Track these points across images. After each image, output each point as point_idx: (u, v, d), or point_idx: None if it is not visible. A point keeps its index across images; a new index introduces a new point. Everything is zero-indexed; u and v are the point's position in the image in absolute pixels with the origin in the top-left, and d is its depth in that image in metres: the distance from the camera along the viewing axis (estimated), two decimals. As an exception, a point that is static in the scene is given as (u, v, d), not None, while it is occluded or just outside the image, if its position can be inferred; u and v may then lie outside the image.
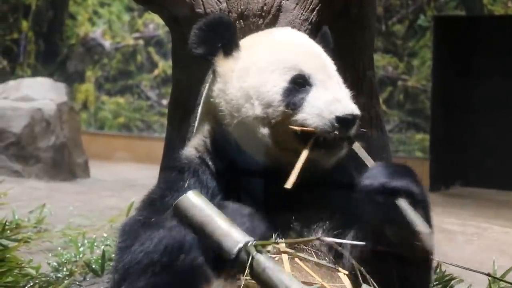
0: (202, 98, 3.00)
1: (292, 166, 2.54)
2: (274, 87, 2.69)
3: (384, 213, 2.37)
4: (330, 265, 2.53)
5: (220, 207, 2.46)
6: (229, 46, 2.85)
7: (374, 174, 2.43)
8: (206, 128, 2.92)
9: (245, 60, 2.81)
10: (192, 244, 2.39)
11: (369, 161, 2.59)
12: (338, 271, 2.49)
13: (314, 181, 2.69)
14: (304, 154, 2.57)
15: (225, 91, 2.79)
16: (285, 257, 2.46)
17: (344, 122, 2.57)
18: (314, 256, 2.55)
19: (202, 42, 2.83)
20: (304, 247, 2.57)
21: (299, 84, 2.70)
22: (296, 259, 2.48)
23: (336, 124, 2.57)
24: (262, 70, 2.75)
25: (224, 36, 2.84)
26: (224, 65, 2.84)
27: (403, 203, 2.34)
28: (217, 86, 2.84)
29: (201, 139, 2.92)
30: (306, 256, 2.52)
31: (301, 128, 2.62)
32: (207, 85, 2.96)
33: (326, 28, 3.08)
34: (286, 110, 2.65)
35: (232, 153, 2.77)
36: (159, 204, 2.71)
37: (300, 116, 2.63)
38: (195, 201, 2.42)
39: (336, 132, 2.58)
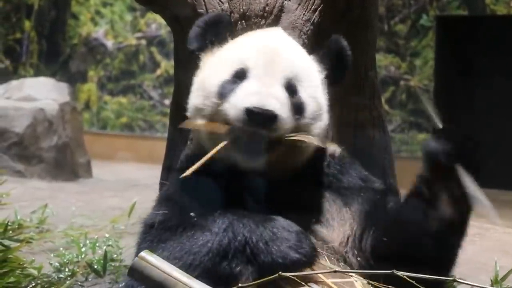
0: None
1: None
2: (215, 79, 2.71)
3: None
4: (343, 270, 2.51)
5: (267, 220, 2.42)
6: (216, 43, 2.90)
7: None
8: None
9: (214, 56, 2.86)
10: (236, 252, 2.37)
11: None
12: (351, 276, 2.47)
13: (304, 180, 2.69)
14: (220, 145, 2.56)
15: (195, 82, 2.87)
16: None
17: (252, 114, 2.48)
18: (327, 259, 2.54)
19: (196, 38, 2.90)
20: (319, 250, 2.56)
21: (238, 76, 2.68)
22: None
23: (244, 116, 2.50)
24: (215, 64, 2.80)
25: (213, 33, 2.90)
26: (204, 60, 2.90)
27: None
28: (195, 78, 2.90)
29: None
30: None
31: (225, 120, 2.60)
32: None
33: (336, 36, 3.02)
34: (217, 101, 2.65)
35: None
36: (177, 201, 2.70)
37: (223, 107, 2.61)
38: (150, 260, 2.34)
39: (245, 125, 2.51)
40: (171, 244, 2.45)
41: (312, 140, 2.58)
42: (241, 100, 2.54)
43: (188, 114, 2.82)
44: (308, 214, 2.67)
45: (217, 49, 2.89)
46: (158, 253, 2.40)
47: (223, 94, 2.65)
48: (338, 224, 2.69)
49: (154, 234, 2.57)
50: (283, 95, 2.61)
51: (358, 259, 2.62)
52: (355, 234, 2.66)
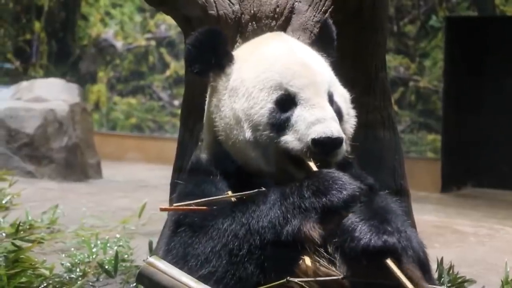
0: (205, 107, 3.01)
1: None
2: (261, 109, 2.67)
3: (370, 273, 2.33)
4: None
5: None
6: (222, 61, 2.86)
7: (357, 229, 2.34)
8: (207, 139, 2.96)
9: (236, 78, 2.80)
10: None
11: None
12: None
13: None
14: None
15: (220, 108, 2.81)
16: (307, 259, 2.45)
17: (320, 145, 2.50)
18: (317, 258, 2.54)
19: (196, 60, 2.85)
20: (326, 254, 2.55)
21: (285, 104, 2.65)
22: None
23: (312, 148, 2.51)
24: (250, 90, 2.73)
25: (216, 51, 2.84)
26: (218, 81, 2.86)
27: (390, 263, 2.30)
28: (213, 101, 2.87)
29: (205, 147, 2.96)
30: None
31: (285, 151, 2.61)
32: (207, 97, 2.97)
33: (326, 19, 3.04)
34: (272, 134, 2.64)
35: (232, 166, 2.78)
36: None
37: (283, 139, 2.61)
38: (159, 266, 2.35)
39: (314, 156, 2.52)
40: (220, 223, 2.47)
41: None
42: (305, 131, 2.55)
43: (231, 146, 2.78)
44: None
45: (229, 68, 2.85)
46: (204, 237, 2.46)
47: (276, 125, 2.64)
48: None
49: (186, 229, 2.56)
50: (333, 113, 2.64)
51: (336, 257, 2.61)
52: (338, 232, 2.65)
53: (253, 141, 2.68)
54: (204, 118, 3.01)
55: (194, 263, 2.47)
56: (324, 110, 2.60)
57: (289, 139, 2.59)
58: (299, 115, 2.61)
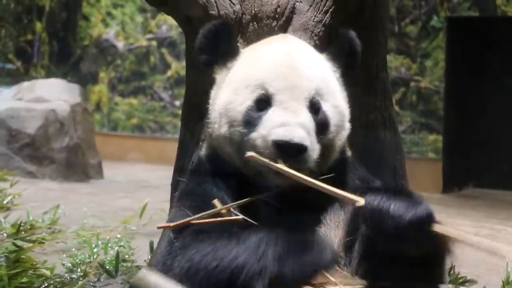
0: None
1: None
2: (240, 105, 2.68)
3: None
4: (347, 274, 2.51)
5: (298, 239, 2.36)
6: (228, 54, 2.89)
7: (392, 207, 2.30)
8: (207, 135, 2.97)
9: (231, 73, 2.84)
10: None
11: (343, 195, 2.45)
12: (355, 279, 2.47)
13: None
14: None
15: (214, 101, 2.84)
16: None
17: (280, 148, 2.47)
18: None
19: (204, 49, 2.89)
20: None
21: (262, 103, 2.65)
22: None
23: (273, 149, 2.49)
24: (236, 86, 2.75)
25: (223, 44, 2.88)
26: (219, 74, 2.89)
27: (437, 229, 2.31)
28: (212, 94, 2.89)
29: (205, 145, 2.97)
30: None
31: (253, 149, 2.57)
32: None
33: (344, 30, 3.01)
34: (243, 130, 2.64)
35: (226, 164, 2.79)
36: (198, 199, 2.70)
37: (251, 136, 2.60)
38: (150, 279, 2.29)
39: (274, 158, 2.48)
40: (204, 247, 2.41)
41: (296, 177, 2.49)
42: (268, 132, 2.53)
43: (213, 139, 2.81)
44: (307, 214, 2.66)
45: (232, 62, 2.88)
46: (190, 252, 2.38)
47: (249, 123, 2.64)
48: (334, 226, 2.68)
49: (188, 234, 2.53)
50: (308, 120, 2.59)
51: (346, 261, 2.60)
52: (345, 235, 2.65)
53: (228, 136, 2.70)
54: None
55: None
56: (295, 115, 2.57)
57: (256, 136, 2.58)
58: (268, 115, 2.60)
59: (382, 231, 2.29)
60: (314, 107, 2.67)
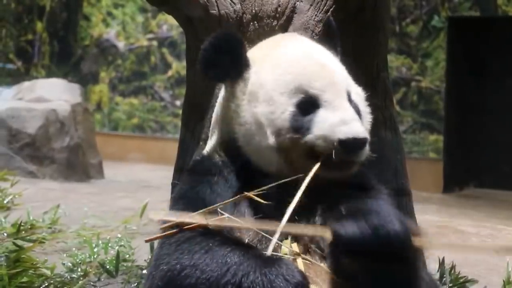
0: (215, 108, 2.98)
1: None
2: (282, 113, 2.64)
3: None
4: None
5: (271, 267, 2.34)
6: (239, 66, 2.80)
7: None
8: (218, 139, 2.92)
9: (254, 82, 2.76)
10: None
11: None
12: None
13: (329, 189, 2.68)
14: (312, 172, 2.54)
15: (239, 113, 2.77)
16: (299, 260, 2.45)
17: (347, 145, 2.50)
18: (324, 260, 2.54)
19: (211, 65, 2.79)
20: (317, 251, 2.55)
21: (307, 106, 2.63)
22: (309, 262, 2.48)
23: (339, 147, 2.50)
24: (270, 94, 2.70)
25: (232, 56, 2.79)
26: (235, 86, 2.81)
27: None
28: (231, 106, 2.82)
29: (215, 147, 2.93)
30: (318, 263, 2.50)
31: (309, 151, 2.59)
32: (219, 99, 2.95)
33: (328, 18, 3.02)
34: (295, 136, 2.61)
35: (248, 168, 2.76)
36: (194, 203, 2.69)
37: (308, 138, 2.58)
38: None
39: (340, 156, 2.51)
40: (184, 260, 2.44)
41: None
42: (330, 132, 2.54)
43: (250, 153, 2.77)
44: (307, 213, 2.66)
45: (247, 73, 2.80)
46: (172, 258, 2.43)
47: (298, 128, 2.61)
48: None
49: (174, 240, 2.55)
50: (355, 113, 2.64)
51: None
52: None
53: (277, 146, 2.66)
54: (215, 121, 2.97)
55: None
56: (347, 111, 2.61)
57: (313, 138, 2.57)
58: (322, 117, 2.60)
59: (355, 259, 2.32)
60: (349, 98, 2.71)
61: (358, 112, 2.71)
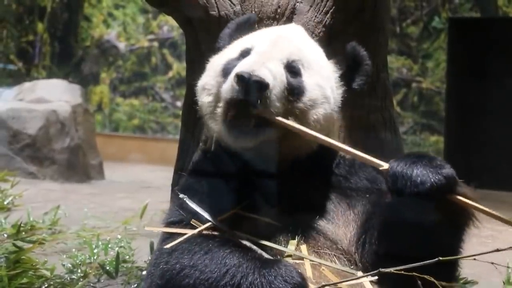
0: None
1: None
2: (223, 59, 2.72)
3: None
4: (351, 270, 2.51)
5: (269, 267, 2.34)
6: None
7: (413, 173, 2.32)
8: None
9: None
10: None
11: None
12: (358, 276, 2.46)
13: (317, 177, 2.69)
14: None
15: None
16: (307, 262, 2.45)
17: (241, 81, 2.42)
18: (337, 260, 2.54)
19: (224, 38, 2.93)
20: (327, 251, 2.56)
21: (242, 55, 2.66)
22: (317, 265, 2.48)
23: (234, 84, 2.45)
24: (228, 49, 2.81)
25: (240, 33, 2.90)
26: None
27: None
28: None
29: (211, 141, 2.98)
30: (328, 263, 2.50)
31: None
32: None
33: (354, 44, 2.96)
34: (220, 79, 2.63)
35: (230, 162, 2.76)
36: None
37: (224, 86, 2.57)
38: None
39: (239, 96, 2.44)
40: (184, 260, 2.44)
41: (303, 130, 2.49)
42: (235, 70, 2.49)
43: (197, 94, 2.80)
44: (315, 213, 2.66)
45: None
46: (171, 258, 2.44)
47: (225, 70, 2.64)
48: (343, 225, 2.68)
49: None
50: (278, 70, 2.56)
51: (363, 260, 2.60)
52: (358, 235, 2.65)
53: (207, 87, 2.70)
54: None
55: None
56: (265, 60, 2.55)
57: (225, 84, 2.56)
58: (243, 61, 2.60)
59: (405, 194, 2.31)
60: (292, 70, 2.64)
61: (297, 87, 2.63)
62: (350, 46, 2.90)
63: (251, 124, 2.50)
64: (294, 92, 2.60)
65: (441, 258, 2.27)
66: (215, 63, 2.75)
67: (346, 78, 2.88)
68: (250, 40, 2.76)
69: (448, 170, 2.34)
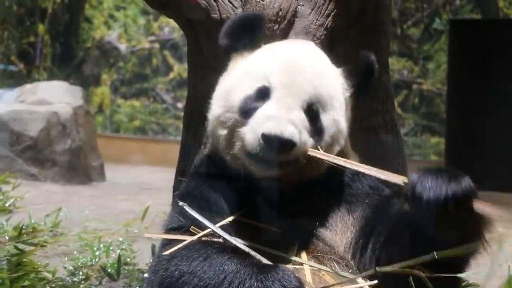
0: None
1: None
2: (239, 93, 2.67)
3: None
4: (351, 276, 2.51)
5: (268, 274, 2.34)
6: (247, 46, 2.86)
7: (428, 182, 2.29)
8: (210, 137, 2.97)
9: (244, 63, 2.83)
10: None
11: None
12: (357, 281, 2.47)
13: (317, 186, 2.69)
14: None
15: (219, 85, 2.85)
16: (306, 267, 2.46)
17: (268, 141, 2.43)
18: (336, 265, 2.54)
19: (228, 35, 2.86)
20: (326, 256, 2.56)
21: (262, 95, 2.63)
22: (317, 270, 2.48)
23: (261, 142, 2.45)
24: (241, 75, 2.75)
25: (248, 34, 2.86)
26: (235, 62, 2.87)
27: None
28: (220, 79, 2.88)
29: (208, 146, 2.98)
30: (327, 269, 2.51)
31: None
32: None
33: (365, 52, 2.96)
34: (238, 118, 2.62)
35: (227, 167, 2.76)
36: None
37: (243, 130, 2.57)
38: None
39: (264, 152, 2.46)
40: (181, 262, 2.46)
41: (333, 160, 2.51)
42: (259, 124, 2.49)
43: (209, 121, 2.81)
44: (314, 219, 2.66)
45: (248, 54, 2.86)
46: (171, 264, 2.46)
47: (245, 111, 2.61)
48: (341, 230, 2.68)
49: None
50: (302, 120, 2.56)
51: (360, 266, 2.60)
52: (356, 241, 2.65)
53: (223, 120, 2.68)
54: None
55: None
56: (288, 111, 2.54)
57: (246, 131, 2.54)
58: (265, 108, 2.57)
59: (425, 206, 2.27)
60: (312, 113, 2.64)
61: (318, 130, 2.65)
62: (363, 54, 2.90)
63: (277, 168, 2.53)
64: (314, 135, 2.61)
65: (436, 252, 2.28)
66: (231, 94, 2.70)
67: (359, 86, 2.89)
68: (264, 71, 2.69)
69: (467, 181, 2.38)
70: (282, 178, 2.58)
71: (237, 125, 2.61)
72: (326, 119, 2.68)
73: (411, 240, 2.44)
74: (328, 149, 2.66)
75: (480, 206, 2.38)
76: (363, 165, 2.47)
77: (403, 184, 2.36)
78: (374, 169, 2.45)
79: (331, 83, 2.80)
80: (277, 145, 2.43)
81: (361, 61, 2.89)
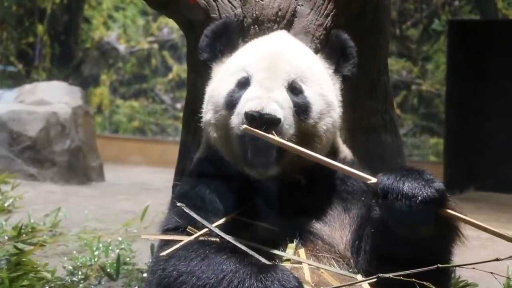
0: None
1: None
2: (223, 90, 2.72)
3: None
4: (350, 274, 2.52)
5: (266, 273, 2.34)
6: (226, 52, 2.93)
7: (404, 187, 2.30)
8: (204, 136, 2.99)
9: (223, 66, 2.88)
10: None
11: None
12: (357, 279, 2.47)
13: (313, 183, 2.70)
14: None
15: (206, 94, 2.88)
16: (305, 266, 2.46)
17: (252, 119, 2.44)
18: (335, 264, 2.55)
19: (205, 48, 2.93)
20: (325, 254, 2.56)
21: (243, 85, 2.67)
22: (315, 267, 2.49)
23: (245, 121, 2.46)
24: (222, 76, 2.80)
25: (222, 42, 2.93)
26: (215, 70, 2.93)
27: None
28: (207, 88, 2.91)
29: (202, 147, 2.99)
30: (326, 267, 2.51)
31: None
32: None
33: (336, 31, 3.01)
34: (225, 113, 2.66)
35: (222, 165, 2.79)
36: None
37: (232, 118, 2.60)
38: None
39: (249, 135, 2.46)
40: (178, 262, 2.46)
41: (316, 158, 2.46)
42: (242, 106, 2.53)
43: (204, 128, 2.83)
44: (312, 216, 2.67)
45: (227, 58, 2.91)
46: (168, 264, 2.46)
47: (230, 104, 2.65)
48: (339, 228, 2.69)
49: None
50: (285, 97, 2.59)
51: (358, 266, 2.61)
52: (353, 240, 2.65)
53: (214, 122, 2.73)
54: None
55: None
56: (269, 90, 2.56)
57: (233, 118, 2.59)
58: (247, 93, 2.60)
59: (394, 209, 2.29)
60: (295, 90, 2.67)
61: (304, 105, 2.67)
62: (333, 34, 2.95)
63: (271, 158, 2.53)
64: (301, 111, 2.64)
65: (440, 265, 2.28)
66: (215, 96, 2.75)
67: (339, 68, 2.93)
68: (242, 64, 2.74)
69: (439, 184, 2.34)
70: (278, 174, 2.59)
71: (227, 121, 2.64)
72: (310, 94, 2.71)
73: (384, 239, 2.46)
74: (317, 125, 2.68)
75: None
76: (322, 157, 2.45)
77: (371, 182, 2.37)
78: (337, 163, 2.46)
79: (311, 60, 2.86)
80: (262, 122, 2.44)
81: (333, 40, 2.93)
